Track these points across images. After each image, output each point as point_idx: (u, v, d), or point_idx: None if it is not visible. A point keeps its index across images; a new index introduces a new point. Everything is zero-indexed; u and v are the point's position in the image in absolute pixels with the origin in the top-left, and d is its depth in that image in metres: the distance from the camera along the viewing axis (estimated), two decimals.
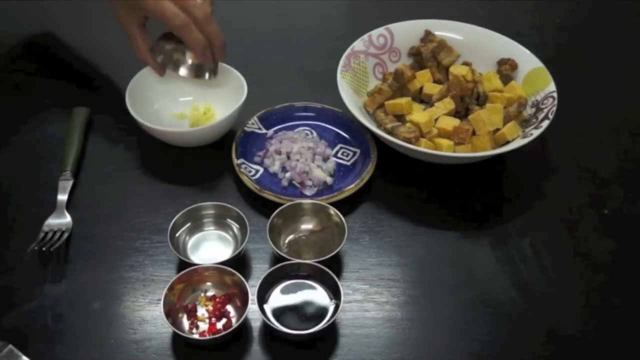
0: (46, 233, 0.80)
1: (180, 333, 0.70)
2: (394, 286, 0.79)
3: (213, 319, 0.73)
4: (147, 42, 0.91)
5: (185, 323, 0.73)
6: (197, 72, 0.92)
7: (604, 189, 0.91)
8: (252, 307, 0.73)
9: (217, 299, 0.74)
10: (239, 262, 0.80)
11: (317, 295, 0.74)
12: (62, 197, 0.85)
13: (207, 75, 0.92)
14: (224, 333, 0.70)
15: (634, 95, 1.07)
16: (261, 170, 0.90)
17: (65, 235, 0.81)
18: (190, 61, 0.91)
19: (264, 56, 1.10)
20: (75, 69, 1.06)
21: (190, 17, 0.85)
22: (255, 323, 0.74)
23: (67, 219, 0.83)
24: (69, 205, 0.85)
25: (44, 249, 0.79)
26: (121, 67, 1.00)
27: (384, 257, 0.82)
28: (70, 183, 0.87)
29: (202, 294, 0.75)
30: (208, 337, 0.71)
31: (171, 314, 0.72)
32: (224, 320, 0.72)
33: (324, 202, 0.83)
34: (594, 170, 0.94)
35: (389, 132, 0.90)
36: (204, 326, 0.72)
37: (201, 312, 0.73)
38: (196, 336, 0.71)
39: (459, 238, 0.85)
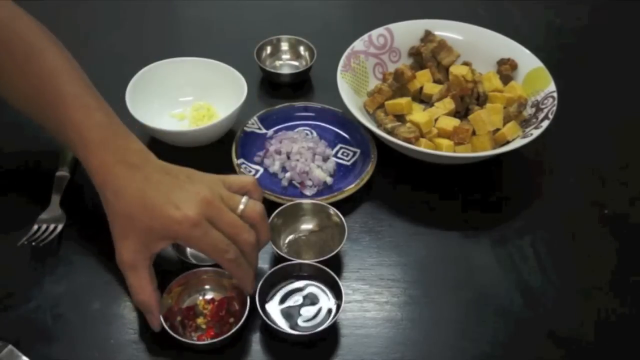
0: (38, 227, 0.80)
1: (178, 337, 0.70)
2: (394, 286, 0.79)
3: (211, 323, 0.72)
4: (154, 281, 0.72)
5: (183, 326, 0.72)
6: None
7: (604, 189, 0.91)
8: (253, 307, 0.74)
9: (216, 302, 0.73)
10: None
11: (318, 295, 0.74)
12: (57, 192, 0.85)
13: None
14: (221, 338, 0.70)
15: (634, 95, 1.07)
16: (261, 170, 0.90)
17: (58, 230, 0.80)
18: None
19: None
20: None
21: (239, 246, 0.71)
22: (256, 323, 0.74)
23: (61, 214, 0.82)
24: (69, 205, 0.84)
25: (33, 243, 0.78)
26: (121, 66, 1.00)
27: (384, 257, 0.82)
28: (66, 179, 0.86)
29: (201, 297, 0.75)
30: (207, 341, 0.71)
31: (169, 317, 0.71)
32: (223, 324, 0.72)
33: (324, 202, 0.83)
34: (594, 170, 0.94)
35: (389, 132, 0.90)
36: (202, 328, 0.72)
37: (200, 315, 0.73)
38: (194, 340, 0.71)
39: (459, 238, 0.85)
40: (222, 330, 0.71)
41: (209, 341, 0.71)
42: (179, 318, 0.72)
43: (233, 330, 0.70)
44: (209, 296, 0.75)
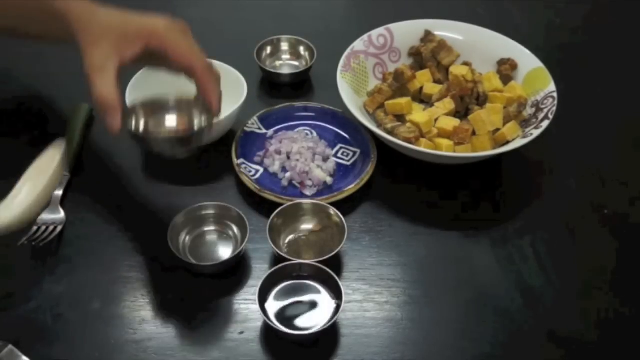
0: (39, 227, 0.80)
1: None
2: (394, 286, 0.79)
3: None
4: (119, 87, 0.70)
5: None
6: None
7: (604, 188, 0.91)
8: (253, 307, 0.74)
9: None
10: (239, 262, 0.80)
11: (318, 295, 0.74)
12: (57, 192, 0.85)
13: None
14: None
15: (634, 95, 1.07)
16: (261, 170, 0.90)
17: (58, 230, 0.80)
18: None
19: None
20: (77, 66, 1.05)
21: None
22: (256, 323, 0.74)
23: (61, 214, 0.82)
24: (69, 205, 0.85)
25: (33, 243, 0.79)
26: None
27: (384, 257, 0.82)
28: (66, 179, 0.86)
29: None
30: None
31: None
32: None
33: (324, 202, 0.83)
34: (594, 170, 0.94)
35: (389, 132, 0.90)
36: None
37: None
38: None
39: (459, 238, 0.85)
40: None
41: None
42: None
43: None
44: None
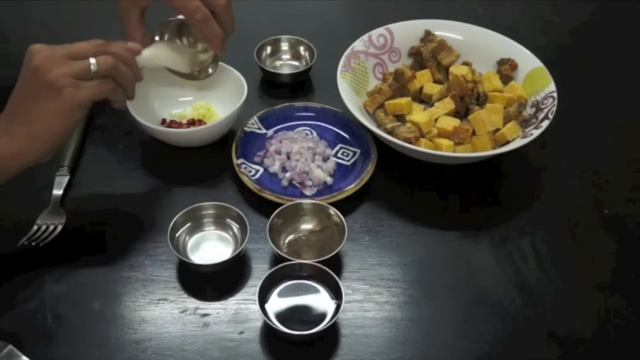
0: (39, 227, 0.80)
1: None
2: (394, 286, 0.79)
3: None
4: (145, 35, 0.87)
5: None
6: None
7: (604, 188, 0.91)
8: (253, 306, 0.74)
9: None
10: (239, 262, 0.80)
11: (318, 295, 0.74)
12: (57, 192, 0.85)
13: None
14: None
15: (634, 95, 1.07)
16: (261, 170, 0.90)
17: (58, 230, 0.80)
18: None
19: None
20: None
21: (209, 9, 0.83)
22: (256, 323, 0.74)
23: (61, 214, 0.82)
24: (69, 205, 0.85)
25: (33, 243, 0.79)
26: None
27: (384, 257, 0.82)
28: (66, 179, 0.87)
29: None
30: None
31: None
32: None
33: (324, 202, 0.83)
34: (594, 170, 0.94)
35: (389, 132, 0.90)
36: None
37: None
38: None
39: (459, 238, 0.85)
40: None
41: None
42: None
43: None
44: None
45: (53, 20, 1.16)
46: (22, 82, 0.73)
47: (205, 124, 0.93)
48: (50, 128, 0.72)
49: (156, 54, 0.85)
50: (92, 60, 0.72)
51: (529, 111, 0.94)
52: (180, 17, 0.85)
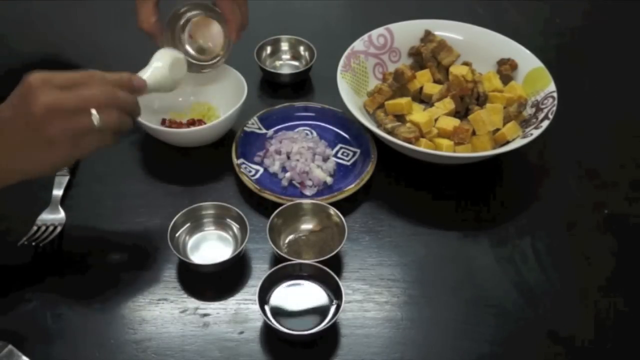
0: (39, 228, 0.80)
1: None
2: (394, 286, 0.79)
3: None
4: (157, 20, 0.88)
5: None
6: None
7: (604, 188, 0.91)
8: (253, 306, 0.74)
9: None
10: (239, 262, 0.80)
11: (318, 295, 0.74)
12: (57, 192, 0.85)
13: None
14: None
15: (634, 95, 1.07)
16: (261, 170, 0.90)
17: (58, 230, 0.80)
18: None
19: None
20: (75, 67, 1.05)
21: None
22: (256, 323, 0.74)
23: (61, 214, 0.82)
24: (69, 205, 0.85)
25: (33, 243, 0.79)
26: (122, 65, 1.00)
27: (384, 257, 0.82)
28: (66, 179, 0.86)
29: None
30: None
31: None
32: None
33: (324, 202, 0.83)
34: (594, 170, 0.94)
35: (389, 132, 0.90)
36: None
37: None
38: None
39: (459, 238, 0.85)
40: None
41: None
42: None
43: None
44: None
45: (53, 20, 1.16)
46: (15, 117, 0.68)
47: (205, 124, 0.93)
48: (32, 169, 0.70)
49: (158, 83, 0.84)
50: (96, 116, 0.68)
51: (529, 111, 0.94)
52: (186, 10, 0.87)
